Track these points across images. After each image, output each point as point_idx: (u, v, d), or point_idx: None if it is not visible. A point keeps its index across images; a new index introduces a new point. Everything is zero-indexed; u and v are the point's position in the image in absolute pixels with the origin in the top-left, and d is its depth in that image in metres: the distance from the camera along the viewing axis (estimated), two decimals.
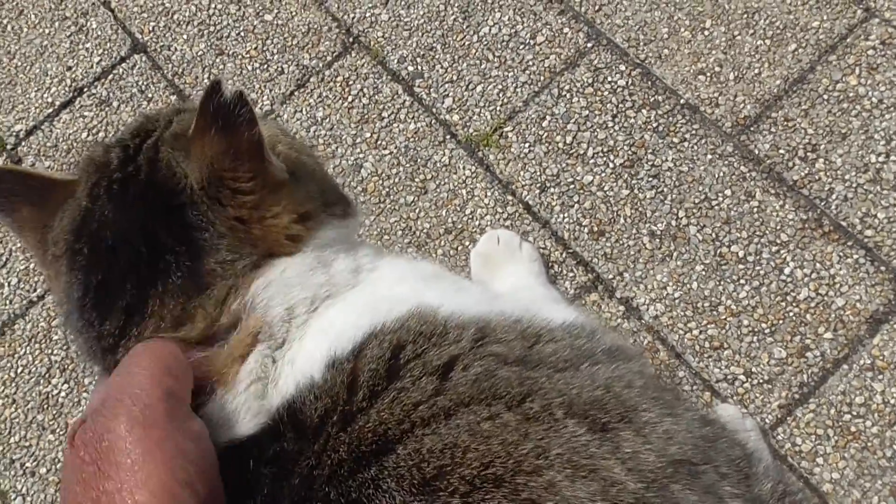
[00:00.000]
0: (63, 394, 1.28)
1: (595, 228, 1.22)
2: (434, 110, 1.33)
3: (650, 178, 1.23)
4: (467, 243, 1.24)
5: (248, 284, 0.58)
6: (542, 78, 1.32)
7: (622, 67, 1.29)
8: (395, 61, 1.38)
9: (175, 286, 0.56)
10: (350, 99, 1.37)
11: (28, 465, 1.25)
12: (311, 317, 0.59)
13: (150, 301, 0.56)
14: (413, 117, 1.34)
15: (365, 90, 1.37)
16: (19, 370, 1.31)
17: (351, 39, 1.41)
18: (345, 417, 0.52)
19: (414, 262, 0.75)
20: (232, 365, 0.55)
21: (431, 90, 1.35)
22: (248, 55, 1.44)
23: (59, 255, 0.60)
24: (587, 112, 1.28)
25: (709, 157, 1.22)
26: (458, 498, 0.47)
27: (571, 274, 1.20)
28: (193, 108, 0.61)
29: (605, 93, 1.29)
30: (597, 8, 1.34)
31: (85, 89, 1.47)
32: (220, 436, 0.53)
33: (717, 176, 1.21)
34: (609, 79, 1.29)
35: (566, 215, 1.23)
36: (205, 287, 0.57)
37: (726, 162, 1.21)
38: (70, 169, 0.75)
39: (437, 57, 1.37)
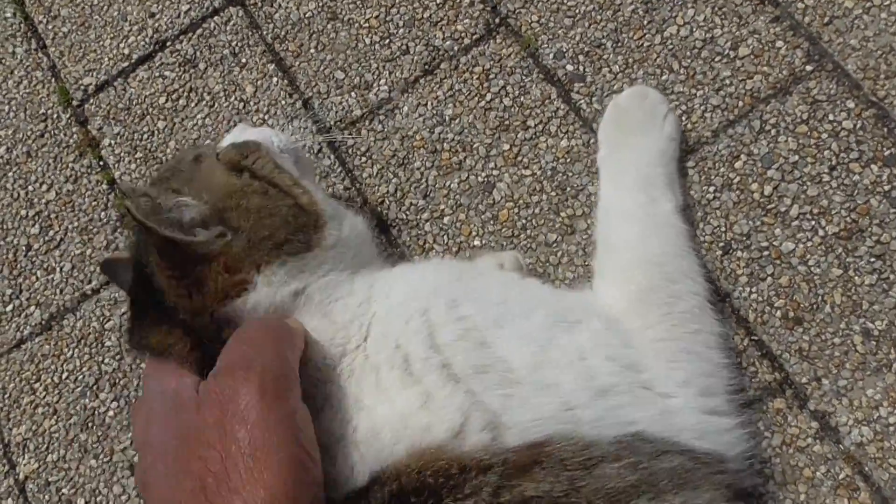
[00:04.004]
0: (111, 413, 1.08)
1: (791, 314, 0.94)
2: (594, 126, 1.05)
3: (872, 259, 0.94)
4: None
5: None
6: (740, 103, 1.03)
7: (850, 104, 0.99)
8: (551, 56, 1.10)
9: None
10: (489, 97, 1.10)
11: (65, 491, 1.06)
12: None
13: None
14: (567, 132, 1.06)
15: (508, 88, 1.10)
16: (64, 376, 1.11)
17: (497, 20, 1.13)
18: None
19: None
20: None
21: (594, 100, 1.07)
22: (366, 24, 1.17)
23: None
24: (796, 158, 0.99)
25: None
26: None
27: (753, 368, 0.94)
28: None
29: (824, 135, 0.99)
30: (826, 20, 1.03)
31: (168, 43, 1.23)
32: None
33: None
34: (831, 117, 1.00)
35: (754, 290, 0.96)
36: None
37: None
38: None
39: (605, 57, 1.08)
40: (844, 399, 0.91)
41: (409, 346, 0.69)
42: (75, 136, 1.22)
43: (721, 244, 0.98)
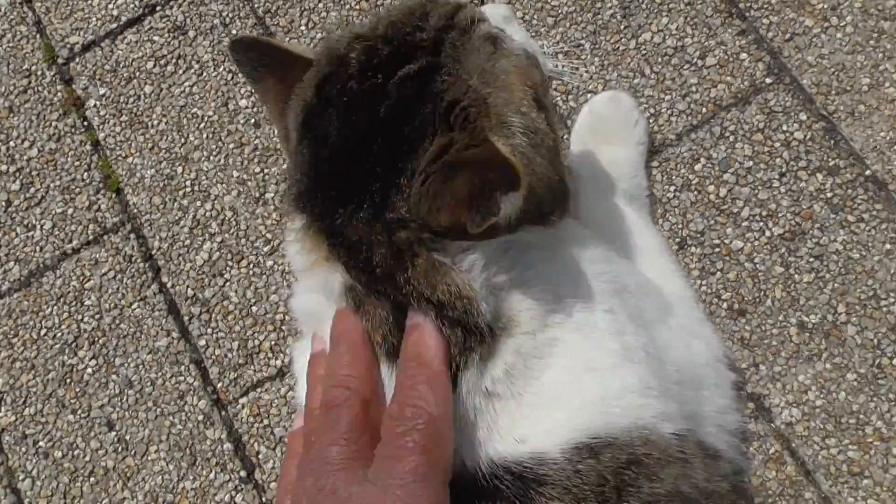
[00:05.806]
0: (90, 370, 1.11)
1: (736, 306, 1.04)
2: (569, 123, 1.12)
3: (811, 259, 1.04)
4: None
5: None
6: (703, 110, 1.11)
7: (803, 116, 1.09)
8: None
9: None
10: None
11: (42, 444, 1.10)
12: None
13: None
14: None
15: None
16: (43, 332, 1.13)
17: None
18: None
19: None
20: None
21: (570, 97, 1.14)
22: (357, 6, 1.21)
23: (292, 151, 0.62)
24: (751, 163, 1.08)
25: (888, 246, 1.03)
26: None
27: None
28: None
29: (777, 144, 1.09)
30: (787, 37, 1.12)
31: (158, 8, 1.24)
32: None
33: (894, 272, 1.03)
34: (784, 127, 1.09)
35: (704, 283, 1.05)
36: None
37: None
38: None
39: (582, 57, 1.15)
40: (778, 383, 1.01)
41: (621, 317, 0.66)
42: (60, 94, 1.22)
43: (678, 240, 1.07)
